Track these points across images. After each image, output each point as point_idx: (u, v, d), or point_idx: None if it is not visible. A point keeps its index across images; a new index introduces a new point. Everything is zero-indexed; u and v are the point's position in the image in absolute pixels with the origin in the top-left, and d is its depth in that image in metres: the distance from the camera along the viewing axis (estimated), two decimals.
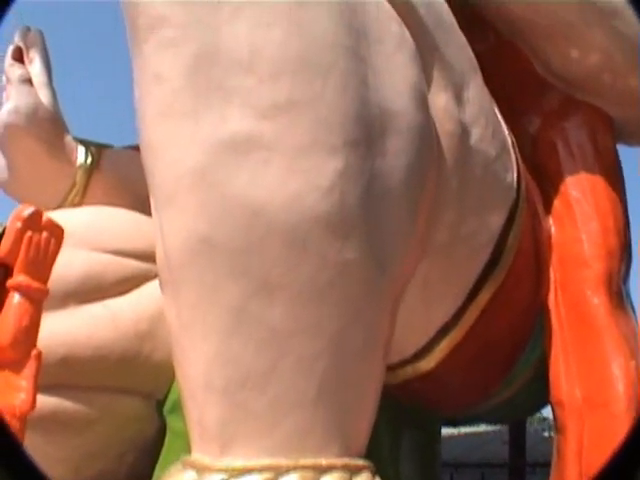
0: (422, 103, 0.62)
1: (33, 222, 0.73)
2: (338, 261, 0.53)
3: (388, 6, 0.64)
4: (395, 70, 0.60)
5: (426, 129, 0.62)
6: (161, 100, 0.55)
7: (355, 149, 0.54)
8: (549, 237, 0.92)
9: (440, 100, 0.68)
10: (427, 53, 0.68)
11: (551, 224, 0.93)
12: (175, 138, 0.54)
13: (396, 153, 0.58)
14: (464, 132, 0.70)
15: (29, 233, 0.72)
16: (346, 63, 0.55)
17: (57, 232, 0.75)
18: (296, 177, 0.52)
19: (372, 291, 0.56)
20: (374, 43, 0.59)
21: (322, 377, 0.54)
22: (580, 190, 0.94)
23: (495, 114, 0.79)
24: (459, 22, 0.77)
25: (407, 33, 0.64)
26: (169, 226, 0.55)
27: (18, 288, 0.73)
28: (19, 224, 0.72)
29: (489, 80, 0.80)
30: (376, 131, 0.57)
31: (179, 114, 0.54)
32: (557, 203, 0.94)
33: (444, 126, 0.68)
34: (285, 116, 0.52)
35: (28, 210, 0.73)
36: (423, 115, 0.62)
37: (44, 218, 0.74)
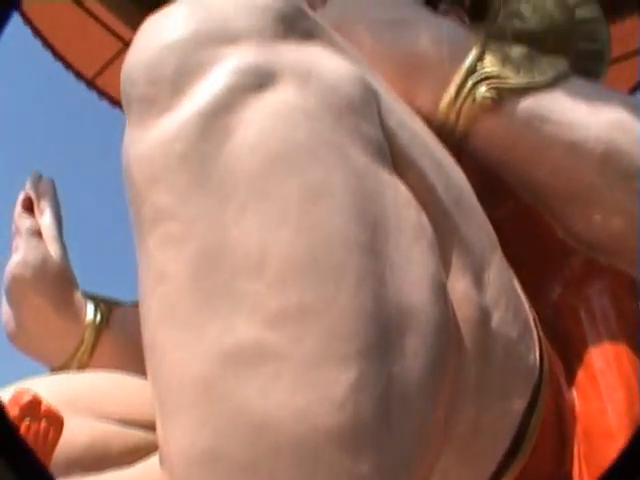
0: (441, 295, 0.59)
1: (32, 410, 0.70)
2: (351, 477, 0.49)
3: (405, 189, 0.61)
4: (413, 262, 0.57)
5: (446, 322, 0.59)
6: (165, 301, 0.52)
7: (370, 356, 0.51)
8: (573, 410, 0.89)
9: (460, 285, 0.65)
10: (446, 236, 0.65)
11: (575, 396, 0.89)
12: (179, 344, 0.51)
13: (415, 353, 0.54)
14: (484, 317, 0.67)
15: (27, 421, 0.69)
16: (360, 262, 0.52)
17: (56, 421, 0.72)
18: (306, 390, 0.48)
19: None
20: (391, 233, 0.57)
21: None
22: (604, 359, 0.90)
23: (516, 290, 0.77)
24: (476, 188, 0.75)
25: (425, 219, 0.61)
26: (171, 434, 0.51)
27: None
28: (17, 411, 0.69)
29: (508, 246, 0.78)
30: (393, 332, 0.53)
31: (183, 318, 0.51)
32: (581, 374, 0.90)
33: (464, 312, 0.64)
34: (295, 324, 0.49)
35: (27, 396, 0.70)
36: (443, 308, 0.58)
37: (43, 406, 0.71)
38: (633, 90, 2.02)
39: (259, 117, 0.55)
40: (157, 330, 0.53)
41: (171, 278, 0.52)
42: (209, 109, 0.55)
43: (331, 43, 0.66)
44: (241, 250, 0.51)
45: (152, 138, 0.56)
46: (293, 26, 0.63)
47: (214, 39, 0.58)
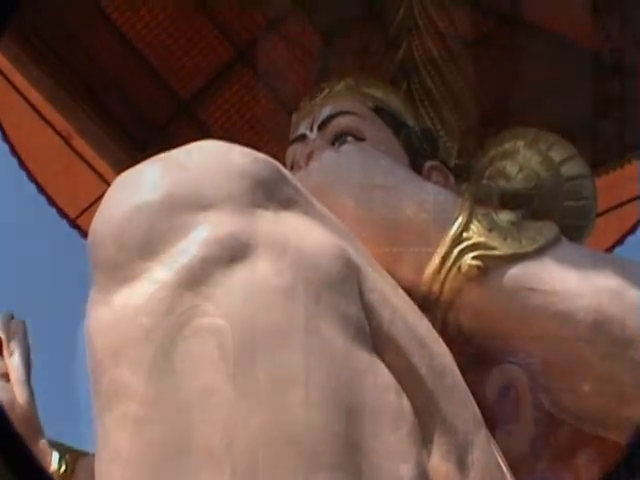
0: None
1: None
2: None
3: (385, 372, 0.59)
4: (391, 451, 0.54)
5: None
6: None
7: None
8: None
9: (442, 469, 0.62)
10: (429, 417, 0.62)
11: None
12: None
13: None
14: None
15: None
16: (334, 453, 0.49)
17: None
18: None
19: None
20: (369, 421, 0.54)
21: None
22: None
23: (501, 469, 0.73)
24: (460, 361, 0.73)
25: (406, 402, 0.59)
26: None
27: None
28: None
29: (494, 418, 0.76)
30: None
31: None
32: None
33: None
34: None
35: None
36: None
37: None
38: (621, 240, 2.02)
39: (229, 294, 0.52)
40: None
41: (128, 461, 0.48)
42: (177, 282, 0.52)
43: (311, 211, 0.63)
44: (205, 439, 0.47)
45: (116, 306, 0.53)
46: (272, 193, 0.60)
47: (187, 205, 0.56)
